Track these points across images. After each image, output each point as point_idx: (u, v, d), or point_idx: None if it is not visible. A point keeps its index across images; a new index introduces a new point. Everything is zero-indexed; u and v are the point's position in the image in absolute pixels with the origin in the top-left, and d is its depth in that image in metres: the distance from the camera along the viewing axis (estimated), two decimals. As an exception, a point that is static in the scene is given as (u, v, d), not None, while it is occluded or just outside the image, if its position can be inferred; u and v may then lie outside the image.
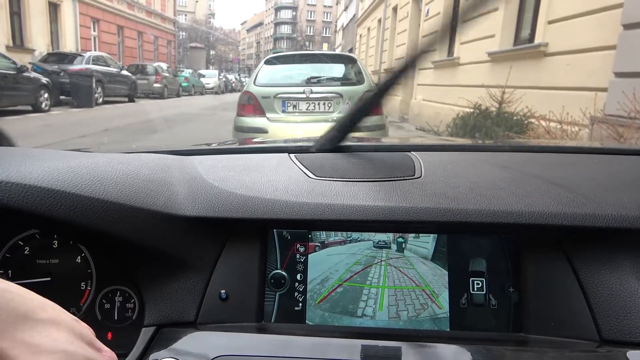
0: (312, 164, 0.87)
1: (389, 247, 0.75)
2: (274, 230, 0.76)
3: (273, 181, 0.79)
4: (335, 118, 4.62)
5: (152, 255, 0.72)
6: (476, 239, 0.74)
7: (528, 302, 0.71)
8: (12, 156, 0.70)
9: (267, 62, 5.15)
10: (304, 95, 4.64)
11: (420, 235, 0.75)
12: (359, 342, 0.67)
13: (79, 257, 0.75)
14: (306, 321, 0.73)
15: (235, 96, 6.42)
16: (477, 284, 0.73)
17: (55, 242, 0.75)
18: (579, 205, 0.71)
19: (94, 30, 20.66)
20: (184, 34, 51.30)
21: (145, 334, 0.69)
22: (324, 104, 4.68)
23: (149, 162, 0.82)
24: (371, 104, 0.91)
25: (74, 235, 0.73)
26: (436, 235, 0.75)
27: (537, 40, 5.61)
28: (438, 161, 0.90)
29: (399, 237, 0.75)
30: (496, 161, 0.93)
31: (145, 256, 0.72)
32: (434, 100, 9.48)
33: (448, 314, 0.72)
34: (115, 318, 0.74)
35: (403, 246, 0.75)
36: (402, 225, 0.74)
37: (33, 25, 15.55)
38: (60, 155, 0.76)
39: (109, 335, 0.72)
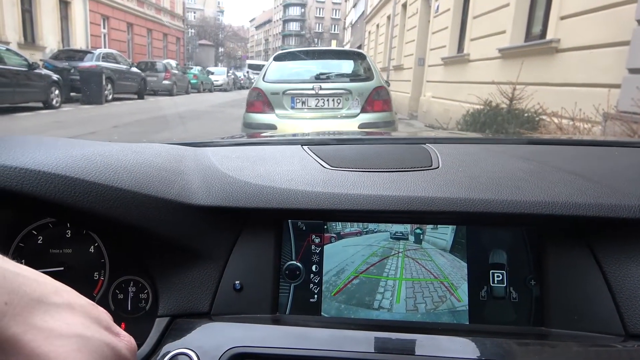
0: (327, 154, 0.85)
1: (407, 239, 0.73)
2: (289, 220, 0.75)
3: (288, 171, 0.77)
4: (344, 114, 4.60)
5: (166, 245, 0.71)
6: (496, 230, 0.72)
7: (550, 295, 0.69)
8: (25, 144, 0.70)
9: (276, 59, 5.14)
10: (313, 92, 4.63)
11: (439, 226, 0.73)
12: (375, 335, 0.65)
13: (92, 246, 0.74)
14: (322, 313, 0.72)
15: (244, 93, 6.43)
16: (498, 276, 0.71)
17: (69, 231, 0.75)
18: (603, 196, 0.69)
19: (104, 28, 20.81)
20: (192, 31, 51.43)
21: (159, 324, 0.68)
22: (333, 100, 4.67)
23: (163, 151, 0.82)
24: None
25: (87, 224, 0.72)
26: (455, 226, 0.73)
27: (549, 36, 5.54)
28: (455, 153, 0.88)
29: (416, 228, 0.73)
30: (515, 153, 0.91)
31: (158, 246, 0.71)
32: (443, 97, 9.42)
33: (467, 307, 0.71)
34: (129, 308, 0.73)
35: (421, 237, 0.73)
36: (420, 215, 0.72)
37: (44, 23, 15.70)
38: (74, 143, 0.75)
39: (123, 326, 0.72)
